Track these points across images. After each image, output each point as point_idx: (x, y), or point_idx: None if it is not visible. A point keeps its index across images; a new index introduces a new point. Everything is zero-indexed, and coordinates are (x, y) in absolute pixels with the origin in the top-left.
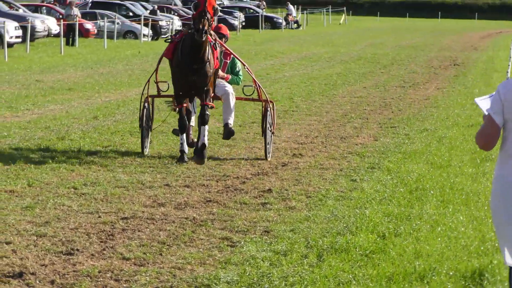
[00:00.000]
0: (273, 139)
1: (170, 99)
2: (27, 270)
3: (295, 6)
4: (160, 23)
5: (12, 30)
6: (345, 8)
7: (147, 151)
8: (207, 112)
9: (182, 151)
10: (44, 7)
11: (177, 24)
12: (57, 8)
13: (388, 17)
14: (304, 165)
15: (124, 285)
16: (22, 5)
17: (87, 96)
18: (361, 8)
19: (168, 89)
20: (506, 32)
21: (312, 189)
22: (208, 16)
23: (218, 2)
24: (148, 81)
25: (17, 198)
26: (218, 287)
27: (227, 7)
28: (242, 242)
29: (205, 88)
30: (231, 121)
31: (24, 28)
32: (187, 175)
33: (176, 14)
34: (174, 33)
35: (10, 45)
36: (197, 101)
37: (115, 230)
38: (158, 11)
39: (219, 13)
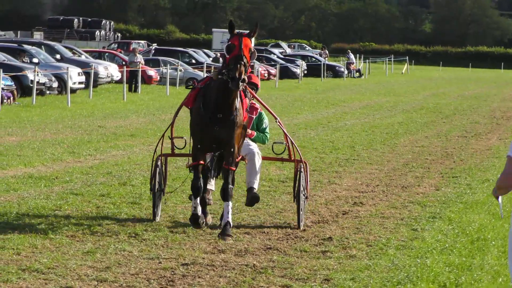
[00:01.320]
0: (332, 188)
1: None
2: None
3: (357, 55)
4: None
5: (75, 76)
6: (407, 58)
7: (158, 218)
8: (231, 186)
9: (195, 215)
10: (107, 54)
11: None
12: (121, 54)
13: (451, 67)
14: (364, 214)
15: None
16: (86, 51)
17: (149, 142)
18: (423, 58)
19: (185, 147)
20: None
21: (373, 237)
22: (245, 60)
23: (280, 51)
24: (163, 136)
25: (78, 243)
26: None
27: (290, 55)
28: None
29: (231, 149)
30: (256, 185)
31: (87, 74)
32: (248, 221)
33: None
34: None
35: (73, 91)
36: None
37: (176, 276)
38: (220, 59)
39: (281, 61)
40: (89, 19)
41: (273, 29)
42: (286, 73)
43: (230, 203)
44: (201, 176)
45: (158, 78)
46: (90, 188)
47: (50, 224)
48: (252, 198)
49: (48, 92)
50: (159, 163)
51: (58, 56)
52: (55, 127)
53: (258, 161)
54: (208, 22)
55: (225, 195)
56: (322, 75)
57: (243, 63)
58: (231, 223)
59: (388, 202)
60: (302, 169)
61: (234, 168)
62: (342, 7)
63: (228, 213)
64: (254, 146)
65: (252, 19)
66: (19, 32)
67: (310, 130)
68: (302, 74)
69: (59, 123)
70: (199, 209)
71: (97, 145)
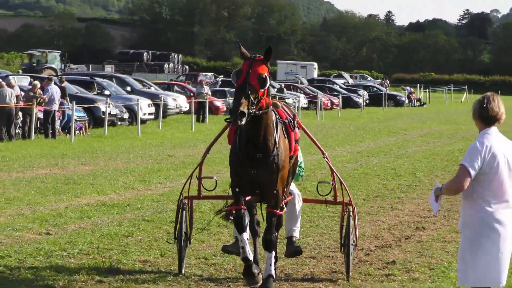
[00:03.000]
0: (394, 213)
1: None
2: None
3: (418, 85)
4: (286, 100)
5: (145, 107)
6: (466, 87)
7: (183, 269)
8: (274, 235)
9: (245, 259)
10: (176, 85)
11: (303, 102)
12: (189, 86)
13: (509, 95)
14: (427, 238)
15: None
16: (155, 83)
17: (216, 171)
18: (482, 87)
19: (215, 188)
20: None
21: (435, 261)
22: (249, 90)
23: (342, 81)
24: (190, 176)
25: (150, 268)
26: None
27: (352, 85)
28: None
29: (274, 191)
30: (296, 234)
31: (156, 106)
32: (313, 246)
33: (302, 92)
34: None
35: (143, 121)
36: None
37: None
38: (285, 89)
39: (344, 91)
40: (158, 53)
41: (335, 60)
42: (348, 103)
43: (274, 253)
44: (245, 214)
45: (225, 108)
46: (160, 214)
47: (123, 250)
48: (293, 253)
49: (119, 123)
50: (185, 207)
51: (128, 88)
52: (127, 157)
53: (298, 204)
54: (273, 54)
55: (269, 245)
56: (384, 104)
57: (244, 95)
58: (274, 276)
59: (449, 227)
60: (351, 213)
61: (281, 212)
62: (403, 39)
63: (270, 265)
64: (293, 187)
65: (315, 51)
66: (90, 65)
67: (373, 157)
68: (364, 104)
69: (130, 152)
70: (248, 250)
71: (167, 174)
